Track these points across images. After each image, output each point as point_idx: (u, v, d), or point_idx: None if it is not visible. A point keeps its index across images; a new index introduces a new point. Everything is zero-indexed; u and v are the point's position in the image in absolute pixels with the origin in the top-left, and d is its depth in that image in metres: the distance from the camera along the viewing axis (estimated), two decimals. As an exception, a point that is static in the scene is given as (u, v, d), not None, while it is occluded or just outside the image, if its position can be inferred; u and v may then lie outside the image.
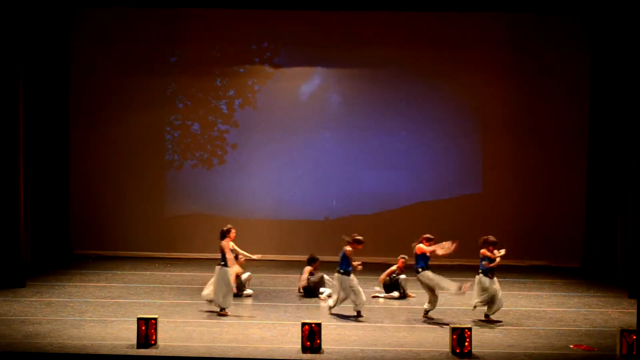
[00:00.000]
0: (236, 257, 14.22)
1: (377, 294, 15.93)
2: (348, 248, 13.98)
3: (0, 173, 15.93)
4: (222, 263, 13.99)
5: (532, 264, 19.25)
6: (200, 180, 20.09)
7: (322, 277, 15.70)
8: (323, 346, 11.91)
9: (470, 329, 11.94)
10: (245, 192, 19.98)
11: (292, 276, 16.96)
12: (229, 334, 12.86)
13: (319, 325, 11.93)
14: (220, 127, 20.08)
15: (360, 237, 14.13)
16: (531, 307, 15.15)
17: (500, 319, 14.02)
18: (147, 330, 11.91)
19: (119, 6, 19.39)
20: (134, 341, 11.92)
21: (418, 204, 19.94)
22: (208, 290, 14.39)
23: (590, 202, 18.59)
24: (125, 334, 12.54)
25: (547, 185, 19.74)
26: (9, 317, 13.58)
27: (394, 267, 16.01)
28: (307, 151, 20.00)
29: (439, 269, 18.61)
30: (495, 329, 13.47)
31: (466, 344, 11.84)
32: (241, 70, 20.20)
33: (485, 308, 13.98)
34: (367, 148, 19.95)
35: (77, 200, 19.61)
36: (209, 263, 18.47)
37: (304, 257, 16.46)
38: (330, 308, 14.31)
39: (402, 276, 15.87)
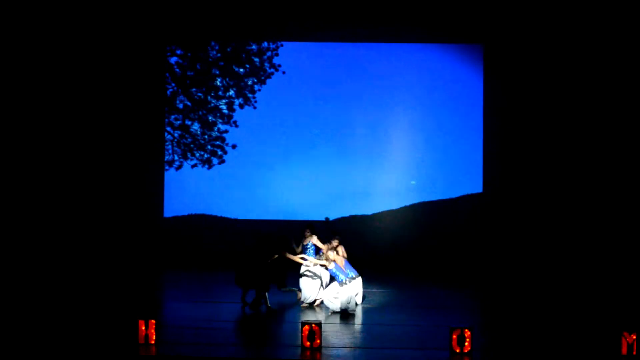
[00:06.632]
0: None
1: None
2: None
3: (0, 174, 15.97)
4: None
5: (532, 264, 19.30)
6: (200, 180, 20.11)
7: None
8: (323, 346, 11.91)
9: (470, 329, 11.93)
10: (245, 192, 20.01)
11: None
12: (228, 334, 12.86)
13: (319, 325, 11.92)
14: (220, 127, 20.09)
15: None
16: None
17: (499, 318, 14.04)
18: (147, 330, 11.91)
19: (120, 6, 19.44)
20: (134, 341, 11.92)
21: (418, 204, 19.96)
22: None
23: (590, 202, 18.58)
24: (125, 334, 12.54)
25: (547, 185, 19.75)
26: (9, 317, 13.59)
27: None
28: (307, 151, 20.02)
29: (439, 270, 18.77)
30: (495, 329, 13.47)
31: (466, 344, 11.84)
32: (241, 70, 20.22)
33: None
34: (367, 148, 19.98)
35: (77, 200, 19.65)
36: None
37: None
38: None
39: None
